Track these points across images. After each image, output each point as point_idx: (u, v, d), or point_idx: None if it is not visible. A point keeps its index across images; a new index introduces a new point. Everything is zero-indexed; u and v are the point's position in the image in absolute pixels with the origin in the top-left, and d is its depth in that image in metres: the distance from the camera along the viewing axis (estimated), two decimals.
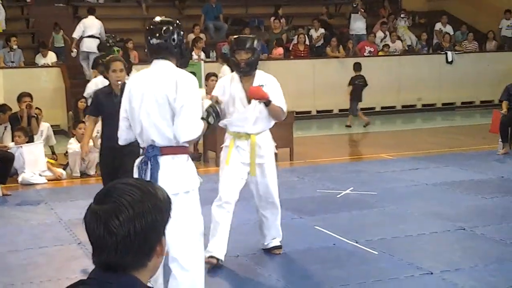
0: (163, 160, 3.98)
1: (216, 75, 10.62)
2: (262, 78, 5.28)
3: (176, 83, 3.90)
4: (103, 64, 6.70)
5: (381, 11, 18.84)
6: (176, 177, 3.98)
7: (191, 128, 3.93)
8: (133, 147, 6.14)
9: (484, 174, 8.89)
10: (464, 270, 5.26)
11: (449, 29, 18.30)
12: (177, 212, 3.89)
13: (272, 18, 16.73)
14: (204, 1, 17.54)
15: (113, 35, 14.34)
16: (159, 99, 3.93)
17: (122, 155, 5.78)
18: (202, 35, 15.40)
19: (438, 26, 18.41)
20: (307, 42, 16.41)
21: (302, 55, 16.01)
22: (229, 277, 5.29)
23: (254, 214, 5.80)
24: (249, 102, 5.20)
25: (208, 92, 10.64)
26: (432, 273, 5.15)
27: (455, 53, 17.19)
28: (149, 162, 3.98)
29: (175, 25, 4.07)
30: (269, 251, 5.58)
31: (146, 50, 4.16)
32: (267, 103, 5.14)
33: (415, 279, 5.08)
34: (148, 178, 3.89)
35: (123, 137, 4.29)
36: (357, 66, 14.23)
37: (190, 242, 4.04)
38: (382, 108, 16.24)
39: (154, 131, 3.98)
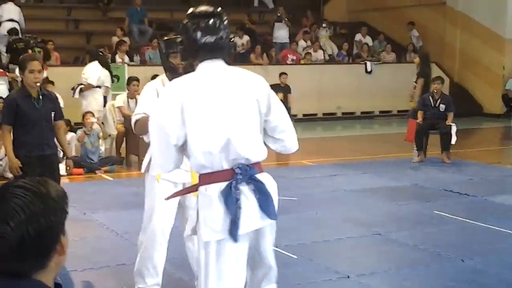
0: (262, 179, 3.18)
1: (138, 80, 10.58)
2: None
3: (263, 86, 3.28)
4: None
5: (303, 20, 19.19)
6: (276, 198, 3.25)
7: (295, 136, 3.43)
8: (55, 154, 5.80)
9: (399, 181, 9.21)
10: (379, 274, 5.45)
11: (368, 40, 18.86)
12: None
13: None
14: (129, 4, 17.41)
15: (34, 36, 14.06)
16: (248, 106, 3.18)
17: (49, 163, 5.50)
18: (126, 39, 15.28)
19: (358, 36, 18.96)
20: (231, 50, 16.53)
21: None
22: None
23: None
24: None
25: (130, 96, 10.62)
26: (349, 277, 5.32)
27: (374, 64, 17.70)
28: (246, 185, 3.10)
29: (224, 17, 3.30)
30: None
31: (181, 49, 3.39)
32: None
33: (332, 282, 5.24)
34: (253, 204, 3.10)
35: (174, 165, 3.25)
36: (281, 74, 14.58)
37: None
38: (304, 115, 16.54)
39: (246, 146, 3.14)
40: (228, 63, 3.29)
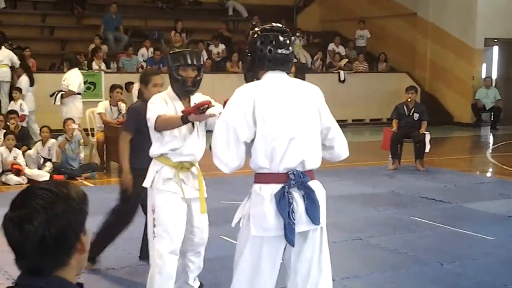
0: (313, 186, 3.43)
1: (121, 88, 10.67)
2: (197, 97, 4.56)
3: (321, 96, 3.58)
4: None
5: None
6: (323, 204, 3.52)
7: (345, 143, 3.66)
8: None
9: (376, 188, 9.43)
10: (363, 277, 5.63)
11: (341, 49, 19.14)
12: (324, 247, 3.54)
13: (173, 32, 16.90)
14: (103, 11, 17.47)
15: (9, 42, 14.07)
16: (310, 114, 3.45)
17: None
18: (103, 46, 15.34)
19: (331, 46, 19.22)
20: (206, 57, 16.68)
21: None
22: None
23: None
24: (193, 125, 4.46)
25: (112, 103, 10.69)
26: (334, 280, 5.46)
27: (347, 73, 17.99)
28: (295, 190, 3.35)
29: (291, 35, 3.69)
30: None
31: (255, 59, 3.55)
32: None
33: None
34: (301, 209, 3.35)
35: (239, 163, 3.43)
36: None
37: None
38: None
39: (305, 151, 3.39)
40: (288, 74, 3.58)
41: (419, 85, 17.95)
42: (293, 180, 3.33)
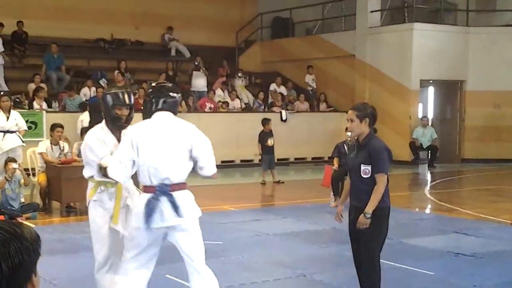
0: (176, 194, 4.61)
1: (62, 126, 10.60)
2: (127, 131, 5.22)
3: (193, 129, 4.73)
4: None
5: (220, 70, 19.64)
6: (192, 205, 4.70)
7: (214, 163, 4.81)
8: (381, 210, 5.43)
9: (318, 225, 9.57)
10: None
11: (282, 89, 19.48)
12: (197, 233, 4.71)
13: (116, 72, 16.91)
14: (44, 50, 17.36)
15: None
16: (181, 143, 4.62)
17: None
18: (43, 85, 15.21)
19: (272, 86, 19.53)
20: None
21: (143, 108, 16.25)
22: None
23: None
24: None
25: (53, 142, 10.59)
26: None
27: (289, 113, 18.28)
28: (162, 197, 4.55)
29: (177, 88, 5.06)
30: None
31: (157, 103, 4.73)
32: None
33: None
34: (165, 211, 4.54)
35: (126, 175, 4.68)
36: (265, 121, 14.68)
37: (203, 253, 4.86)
38: (222, 162, 16.79)
39: (171, 171, 4.59)
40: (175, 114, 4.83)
41: None
42: (158, 191, 4.57)
